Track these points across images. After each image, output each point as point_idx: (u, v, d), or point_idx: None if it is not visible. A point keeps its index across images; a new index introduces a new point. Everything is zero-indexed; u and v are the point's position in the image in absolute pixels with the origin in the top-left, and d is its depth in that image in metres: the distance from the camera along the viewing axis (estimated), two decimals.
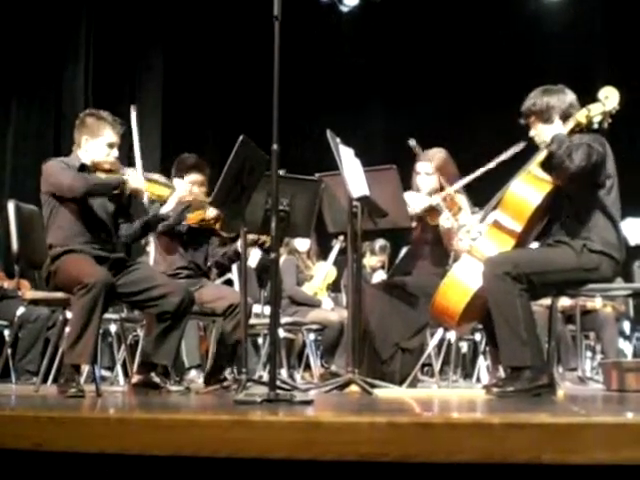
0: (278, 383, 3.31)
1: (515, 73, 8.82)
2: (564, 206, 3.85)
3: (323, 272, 7.15)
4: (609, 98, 3.81)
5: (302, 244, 7.09)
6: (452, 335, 5.68)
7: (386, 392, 4.19)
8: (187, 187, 4.76)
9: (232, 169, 3.90)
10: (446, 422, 2.04)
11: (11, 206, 4.50)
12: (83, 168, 4.26)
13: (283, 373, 6.22)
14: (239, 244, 4.92)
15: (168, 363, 4.41)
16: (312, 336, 6.82)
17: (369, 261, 7.60)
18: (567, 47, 8.97)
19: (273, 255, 3.08)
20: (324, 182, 4.57)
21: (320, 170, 4.62)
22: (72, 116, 5.16)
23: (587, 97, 3.91)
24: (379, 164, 4.64)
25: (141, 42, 8.89)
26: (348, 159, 4.27)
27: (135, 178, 4.28)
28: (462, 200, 4.84)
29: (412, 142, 4.79)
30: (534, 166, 3.88)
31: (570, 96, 3.88)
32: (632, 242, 5.54)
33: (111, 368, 6.67)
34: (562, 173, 3.74)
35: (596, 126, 3.80)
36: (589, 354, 7.57)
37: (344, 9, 9.95)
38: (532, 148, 3.93)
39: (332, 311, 6.82)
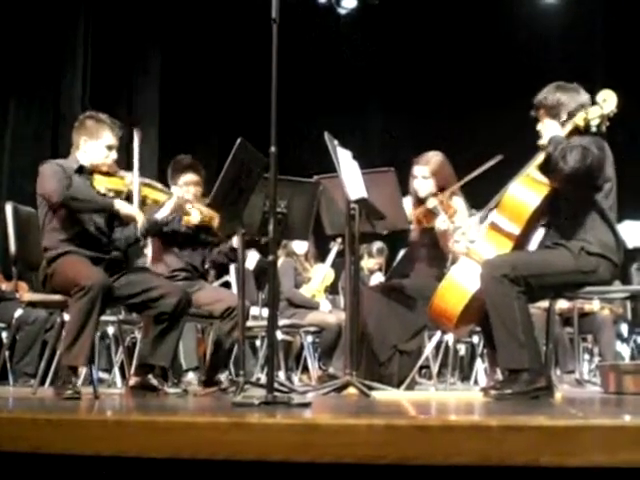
0: (276, 385, 3.31)
1: (514, 75, 8.85)
2: (562, 208, 3.86)
3: (321, 274, 7.15)
4: (607, 101, 3.81)
5: (300, 246, 7.09)
6: (450, 337, 5.68)
7: (384, 394, 4.19)
8: (183, 194, 4.76)
9: (230, 171, 3.90)
10: (444, 424, 2.04)
11: (9, 208, 4.49)
12: (81, 170, 4.25)
13: (281, 375, 6.21)
14: (234, 241, 4.95)
15: (166, 365, 4.41)
16: (310, 338, 6.82)
17: (367, 263, 7.61)
18: (566, 48, 8.99)
19: (271, 257, 3.09)
20: (322, 184, 4.58)
21: (318, 172, 4.62)
22: (70, 118, 5.18)
23: None
24: (377, 166, 4.64)
25: (139, 45, 8.89)
26: (346, 161, 4.27)
27: (128, 206, 4.24)
28: (459, 202, 4.85)
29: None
30: (532, 169, 3.89)
31: (583, 97, 3.87)
32: (630, 245, 5.52)
33: (108, 370, 6.66)
34: (557, 174, 3.74)
35: (594, 129, 3.80)
36: (587, 357, 7.57)
37: (342, 11, 9.96)
38: (532, 149, 3.93)
39: (330, 313, 6.82)
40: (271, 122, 3.01)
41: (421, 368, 6.20)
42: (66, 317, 4.33)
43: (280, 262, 6.77)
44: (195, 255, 5.18)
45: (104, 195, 4.25)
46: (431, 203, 4.81)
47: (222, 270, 6.90)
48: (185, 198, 4.74)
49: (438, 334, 5.29)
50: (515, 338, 3.63)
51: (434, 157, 4.92)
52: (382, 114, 9.83)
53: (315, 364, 6.75)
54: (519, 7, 9.34)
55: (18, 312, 4.57)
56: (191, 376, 5.82)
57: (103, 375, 6.65)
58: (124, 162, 4.58)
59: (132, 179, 4.31)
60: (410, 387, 4.79)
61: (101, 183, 4.27)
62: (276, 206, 3.14)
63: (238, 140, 3.85)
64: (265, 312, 5.99)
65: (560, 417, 2.37)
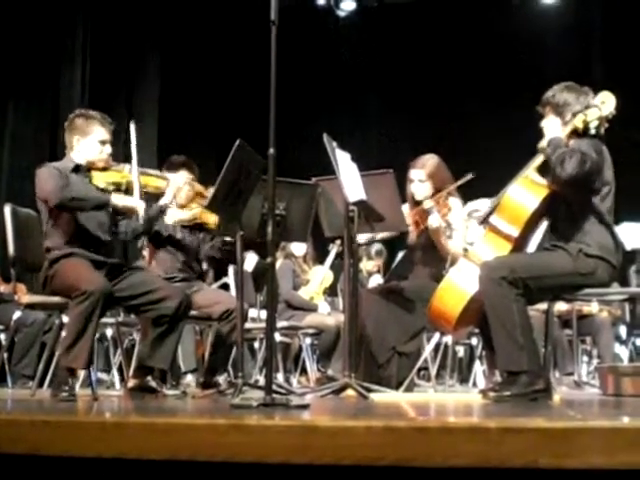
0: (274, 387, 3.31)
1: (513, 76, 8.86)
2: (560, 211, 3.86)
3: (319, 276, 7.15)
4: (605, 103, 3.82)
5: (298, 248, 7.09)
6: (449, 339, 5.68)
7: (382, 396, 4.19)
8: (182, 178, 4.77)
9: (229, 173, 3.90)
10: (442, 426, 2.04)
11: (7, 210, 4.50)
12: (77, 169, 4.26)
13: (279, 377, 6.21)
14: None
15: (165, 367, 4.40)
16: (308, 340, 6.81)
17: (365, 265, 7.61)
18: (565, 49, 8.99)
19: (269, 259, 3.09)
20: (321, 186, 4.58)
21: (317, 174, 4.62)
22: None
23: None
24: (376, 168, 4.64)
25: (138, 46, 8.90)
26: (345, 163, 4.27)
27: (125, 199, 4.26)
28: (455, 203, 4.85)
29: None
30: (531, 170, 3.89)
31: (590, 100, 3.86)
32: (628, 247, 5.53)
33: (107, 372, 6.66)
34: (555, 180, 3.75)
35: (593, 131, 3.80)
36: (585, 359, 7.57)
37: (341, 14, 9.97)
38: (532, 150, 3.94)
39: (328, 315, 6.81)
40: (270, 124, 3.01)
41: (420, 370, 6.20)
42: (65, 319, 4.33)
43: (279, 264, 6.77)
44: (191, 255, 5.21)
45: (104, 190, 4.26)
46: (427, 204, 4.82)
47: (220, 271, 6.90)
48: (182, 181, 4.75)
49: (437, 336, 5.29)
50: (514, 340, 3.63)
51: (430, 160, 4.92)
52: (381, 116, 9.83)
53: (314, 366, 6.75)
54: (518, 8, 9.35)
55: (16, 314, 4.57)
56: (190, 378, 5.82)
57: (102, 377, 6.64)
58: (122, 157, 4.58)
59: (130, 170, 4.31)
60: (409, 389, 4.79)
61: (99, 179, 4.28)
62: (275, 208, 3.14)
63: (237, 142, 3.85)
64: (263, 314, 5.99)
65: (559, 419, 2.37)
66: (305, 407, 2.94)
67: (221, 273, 6.95)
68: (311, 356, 6.81)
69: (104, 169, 4.31)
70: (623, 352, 7.12)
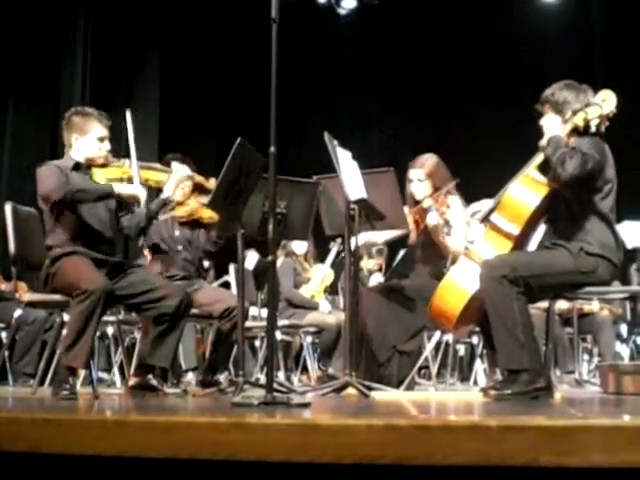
0: (275, 386, 3.31)
1: (513, 75, 8.85)
2: (561, 209, 3.85)
3: (320, 275, 7.15)
4: (606, 101, 3.81)
5: (299, 247, 7.09)
6: (449, 338, 5.68)
7: (383, 395, 4.19)
8: (184, 169, 4.78)
9: (229, 171, 3.90)
10: (443, 425, 2.04)
11: (8, 208, 4.49)
12: (77, 167, 4.25)
13: (280, 376, 6.21)
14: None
15: (166, 365, 4.40)
16: (309, 339, 6.82)
17: (366, 264, 7.60)
18: (566, 48, 8.99)
19: (270, 258, 3.09)
20: (321, 184, 4.58)
21: (317, 172, 4.62)
22: None
23: None
24: (377, 167, 4.64)
25: (138, 44, 8.89)
26: (345, 161, 4.27)
27: (128, 187, 4.26)
28: (455, 201, 4.85)
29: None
30: (532, 168, 3.89)
31: (590, 98, 3.85)
32: (629, 245, 5.52)
33: (108, 370, 6.67)
34: (555, 180, 3.75)
35: (594, 129, 3.80)
36: (586, 357, 7.57)
37: (341, 12, 9.96)
38: (532, 148, 3.93)
39: (329, 314, 6.82)
40: (270, 122, 3.01)
41: (420, 368, 6.20)
42: (66, 317, 4.33)
43: (279, 262, 6.77)
44: (192, 253, 5.22)
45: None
46: (426, 203, 4.83)
47: (221, 270, 6.90)
48: (185, 173, 4.76)
49: (437, 334, 5.29)
50: (515, 338, 3.63)
51: (428, 159, 4.92)
52: (382, 114, 9.83)
53: (314, 364, 6.75)
54: (518, 7, 9.34)
55: (17, 312, 4.57)
56: (190, 376, 5.81)
57: (103, 375, 6.65)
58: (123, 152, 4.58)
59: (129, 163, 4.32)
60: (409, 387, 4.79)
61: (100, 175, 4.29)
62: (275, 206, 3.14)
63: (237, 140, 3.85)
64: (264, 312, 5.99)
65: (559, 417, 2.37)
66: (306, 405, 2.94)
67: (222, 271, 6.95)
68: (312, 354, 6.81)
69: (104, 166, 4.32)
70: (624, 350, 7.12)
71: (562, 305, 6.29)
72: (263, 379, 5.18)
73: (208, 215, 5.15)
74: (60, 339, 4.35)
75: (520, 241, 3.95)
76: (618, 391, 4.40)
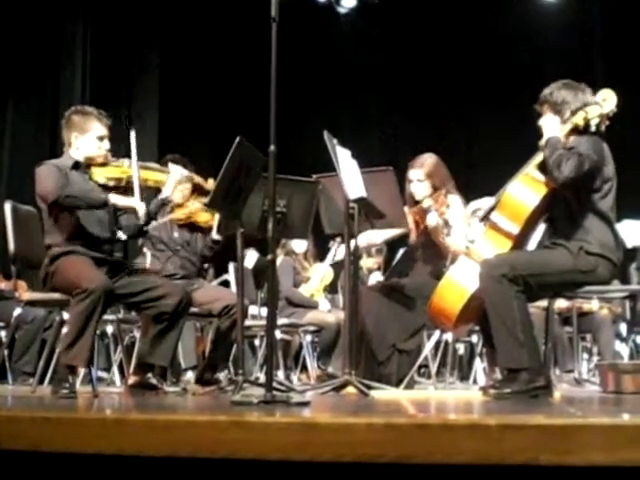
0: (275, 384, 3.31)
1: (513, 74, 8.85)
2: (561, 208, 3.85)
3: (320, 273, 7.15)
4: (607, 100, 3.82)
5: (299, 245, 7.09)
6: (449, 337, 5.68)
7: (383, 394, 4.19)
8: (182, 170, 4.78)
9: (229, 170, 3.90)
10: (443, 423, 2.04)
11: (8, 207, 4.49)
12: (77, 166, 4.25)
13: (280, 375, 6.21)
14: (214, 233, 5.12)
15: (165, 365, 4.41)
16: (309, 337, 6.82)
17: (366, 263, 7.60)
18: (566, 47, 8.98)
19: (270, 256, 3.09)
20: (321, 183, 4.57)
21: (317, 171, 4.62)
22: None
23: None
24: (376, 165, 4.64)
25: (137, 44, 8.89)
26: (345, 160, 4.27)
27: (124, 199, 4.24)
28: (455, 200, 4.85)
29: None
30: (532, 168, 3.89)
31: (588, 97, 3.86)
32: (629, 244, 5.53)
33: (108, 369, 6.66)
34: (553, 182, 3.75)
35: (593, 128, 3.80)
36: (585, 356, 7.57)
37: (341, 10, 9.96)
38: (532, 148, 3.93)
39: (329, 313, 6.82)
40: (270, 121, 3.01)
41: (420, 367, 6.20)
42: (65, 316, 4.34)
43: (279, 261, 6.78)
44: (191, 253, 5.24)
45: (104, 186, 4.25)
46: (426, 203, 4.83)
47: (220, 268, 6.91)
48: (184, 174, 4.76)
49: (437, 333, 5.29)
50: (514, 337, 3.63)
51: (428, 159, 4.92)
52: (381, 113, 9.83)
53: (314, 363, 6.75)
54: (518, 6, 9.34)
55: (17, 311, 4.57)
56: (190, 375, 5.82)
57: (102, 374, 6.65)
58: (123, 153, 4.58)
59: (128, 163, 4.31)
60: (409, 386, 4.79)
61: (99, 175, 4.28)
62: (275, 205, 3.14)
63: (237, 139, 3.85)
64: (264, 311, 6.00)
65: (559, 416, 2.37)
66: (305, 404, 2.94)
67: (221, 270, 6.95)
68: (311, 353, 6.81)
69: (103, 165, 4.31)
70: (623, 349, 7.13)
71: (561, 304, 6.29)
72: (263, 378, 5.18)
73: (204, 219, 5.16)
74: (60, 338, 4.36)
75: (520, 240, 3.95)
76: (617, 390, 4.41)
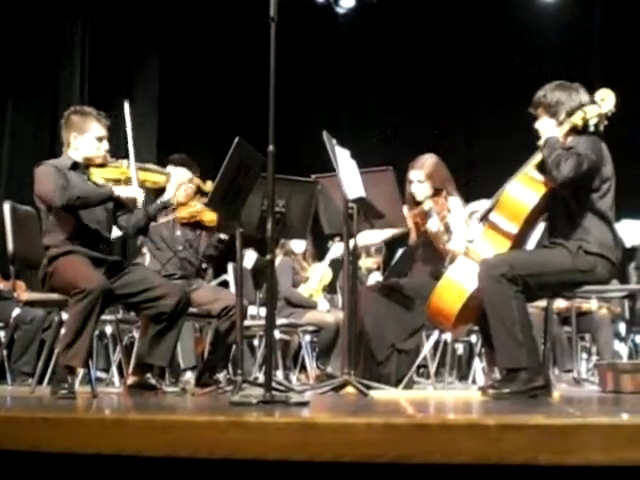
0: (274, 384, 3.31)
1: (512, 74, 8.84)
2: (560, 208, 3.85)
3: (319, 273, 7.15)
4: (605, 100, 3.81)
5: (298, 245, 7.09)
6: (448, 337, 5.68)
7: (382, 394, 4.19)
8: (183, 172, 4.78)
9: (228, 170, 3.90)
10: (442, 423, 2.04)
11: (7, 207, 4.49)
12: (75, 166, 4.25)
13: (279, 375, 6.21)
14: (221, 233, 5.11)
15: (164, 364, 4.41)
16: (308, 338, 6.82)
17: (365, 263, 7.60)
18: (564, 47, 8.99)
19: (269, 256, 3.09)
20: (320, 183, 4.57)
21: (316, 171, 4.62)
22: None
23: None
24: (375, 165, 4.64)
25: (137, 43, 8.89)
26: (344, 160, 4.27)
27: (126, 189, 4.26)
28: (455, 202, 4.85)
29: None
30: (531, 167, 3.89)
31: (583, 97, 3.85)
32: (628, 244, 5.53)
33: (107, 369, 6.66)
34: (551, 182, 3.75)
35: (592, 128, 3.80)
36: (585, 356, 7.57)
37: (340, 11, 9.95)
38: (531, 148, 3.93)
39: (328, 313, 6.82)
40: (269, 121, 3.00)
41: (419, 367, 6.20)
42: (64, 316, 4.33)
43: (278, 261, 6.77)
44: (191, 253, 5.24)
45: (102, 186, 4.26)
46: (427, 205, 4.82)
47: (219, 269, 6.90)
48: (186, 176, 4.75)
49: (436, 333, 5.29)
50: (513, 337, 3.63)
51: (428, 160, 4.92)
52: (381, 113, 9.82)
53: (313, 363, 6.75)
54: (517, 7, 9.34)
55: (16, 311, 4.58)
56: (189, 375, 5.81)
57: (101, 374, 6.65)
58: (122, 148, 4.59)
59: (127, 164, 4.31)
60: (408, 386, 4.79)
61: (98, 175, 4.28)
62: (274, 205, 3.14)
63: (236, 139, 3.85)
64: (263, 311, 5.99)
65: (558, 416, 2.37)
66: (304, 404, 2.94)
67: (220, 270, 6.95)
68: (310, 353, 6.81)
69: (102, 165, 4.31)
70: (622, 349, 7.13)
71: (560, 304, 6.29)
72: (262, 378, 5.18)
73: (209, 218, 5.14)
74: (58, 338, 4.35)
75: (519, 240, 3.95)
76: (616, 390, 4.41)
